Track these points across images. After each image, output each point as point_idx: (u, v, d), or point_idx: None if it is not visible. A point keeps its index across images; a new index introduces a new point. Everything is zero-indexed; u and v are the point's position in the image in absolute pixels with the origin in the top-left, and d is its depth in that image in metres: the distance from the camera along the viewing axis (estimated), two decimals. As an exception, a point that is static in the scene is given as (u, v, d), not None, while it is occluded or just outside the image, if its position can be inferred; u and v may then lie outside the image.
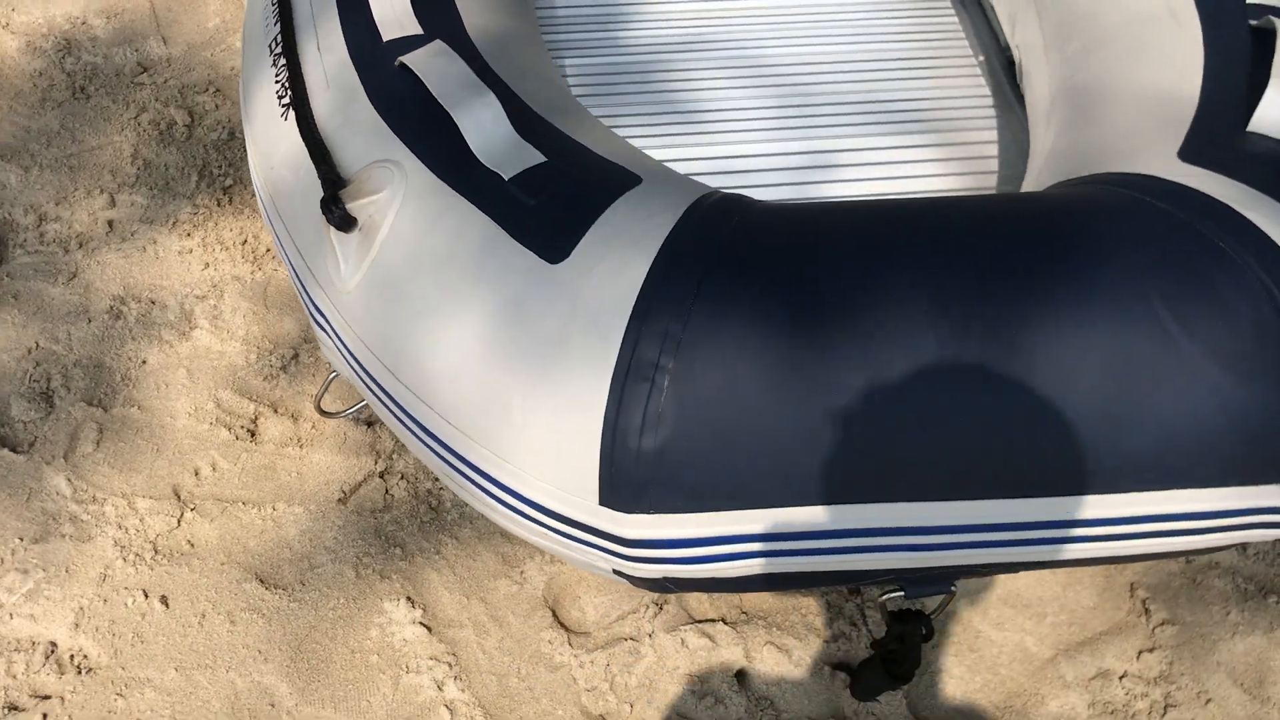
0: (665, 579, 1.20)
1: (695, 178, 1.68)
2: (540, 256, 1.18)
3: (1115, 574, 1.68)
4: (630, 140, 1.74)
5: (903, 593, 1.32)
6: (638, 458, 1.09)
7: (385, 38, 1.44)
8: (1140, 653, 1.61)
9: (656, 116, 1.79)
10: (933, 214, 1.22)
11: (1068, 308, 1.12)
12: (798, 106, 1.82)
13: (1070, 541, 1.18)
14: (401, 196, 1.29)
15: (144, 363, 1.87)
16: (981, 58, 1.94)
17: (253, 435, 1.80)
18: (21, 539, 1.67)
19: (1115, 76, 1.55)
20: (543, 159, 1.27)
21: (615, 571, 1.22)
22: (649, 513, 1.12)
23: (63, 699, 1.54)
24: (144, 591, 1.63)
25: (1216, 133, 1.33)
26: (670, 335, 1.10)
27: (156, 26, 2.40)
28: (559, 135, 1.34)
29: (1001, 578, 1.67)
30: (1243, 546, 1.70)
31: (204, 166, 2.13)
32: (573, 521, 1.16)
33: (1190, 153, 1.29)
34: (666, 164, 1.68)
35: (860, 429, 1.10)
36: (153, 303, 1.94)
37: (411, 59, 1.38)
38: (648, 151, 1.74)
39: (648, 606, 1.62)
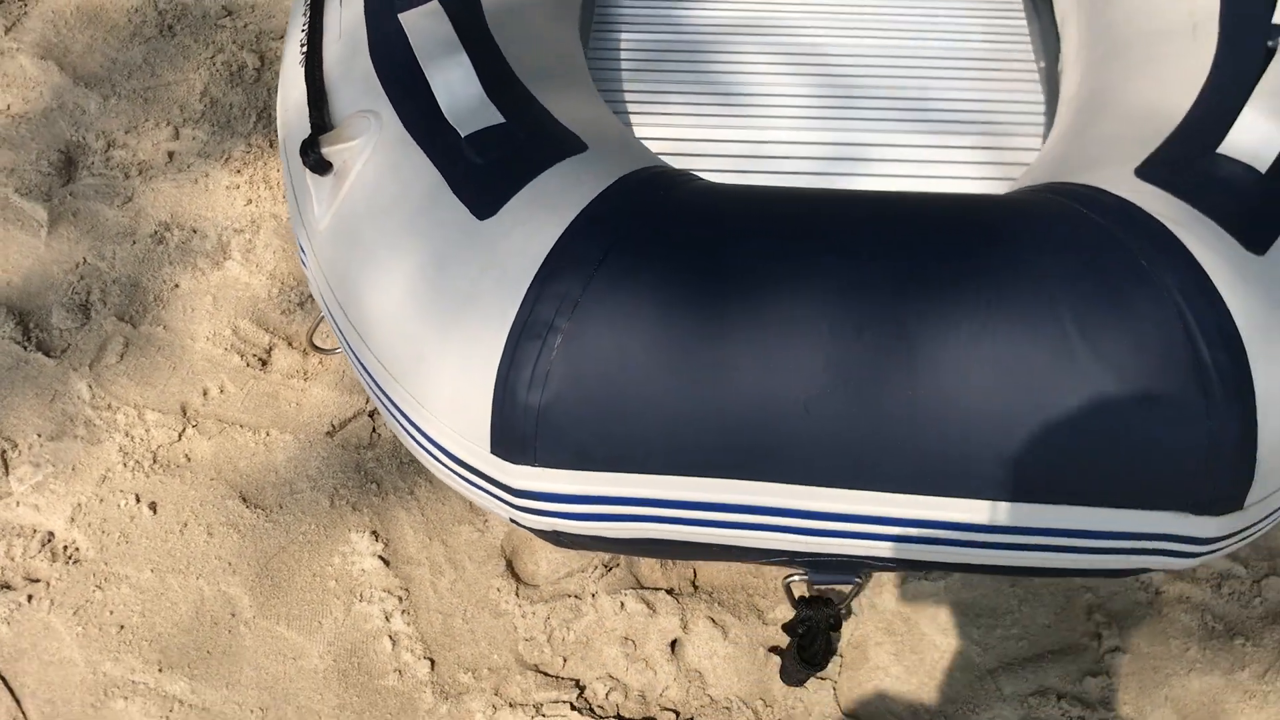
0: (556, 532, 1.24)
1: (729, 159, 1.70)
2: (472, 212, 1.23)
3: (1076, 595, 1.65)
4: (671, 118, 1.76)
5: (806, 577, 1.33)
6: (524, 412, 1.14)
7: None
8: (1085, 676, 1.58)
9: (700, 96, 1.81)
10: (862, 207, 1.22)
11: (969, 309, 1.11)
12: (845, 98, 1.81)
13: (956, 545, 1.17)
14: (374, 146, 1.36)
15: (176, 286, 1.99)
16: (1043, 63, 1.91)
17: (263, 364, 1.90)
18: (39, 435, 1.81)
19: (1117, 88, 1.52)
20: (501, 120, 1.32)
21: (512, 520, 1.26)
22: (534, 465, 1.16)
23: (49, 584, 1.67)
24: (136, 496, 1.74)
25: (1186, 152, 1.29)
26: (568, 298, 1.13)
27: (248, -27, 2.52)
28: (529, 101, 1.38)
29: (956, 585, 1.66)
30: (1216, 585, 1.65)
31: (264, 109, 2.24)
32: (470, 467, 1.22)
33: (1148, 169, 1.26)
34: (704, 143, 1.71)
35: (745, 410, 1.12)
36: (194, 231, 2.07)
37: (405, 16, 1.44)
38: (688, 130, 1.75)
39: (596, 567, 1.67)
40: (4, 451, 1.80)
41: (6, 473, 1.77)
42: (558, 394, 1.13)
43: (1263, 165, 1.24)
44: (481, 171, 1.26)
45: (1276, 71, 1.31)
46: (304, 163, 1.37)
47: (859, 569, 1.30)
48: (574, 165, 1.27)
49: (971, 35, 1.92)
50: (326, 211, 1.39)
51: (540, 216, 1.20)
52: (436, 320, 1.20)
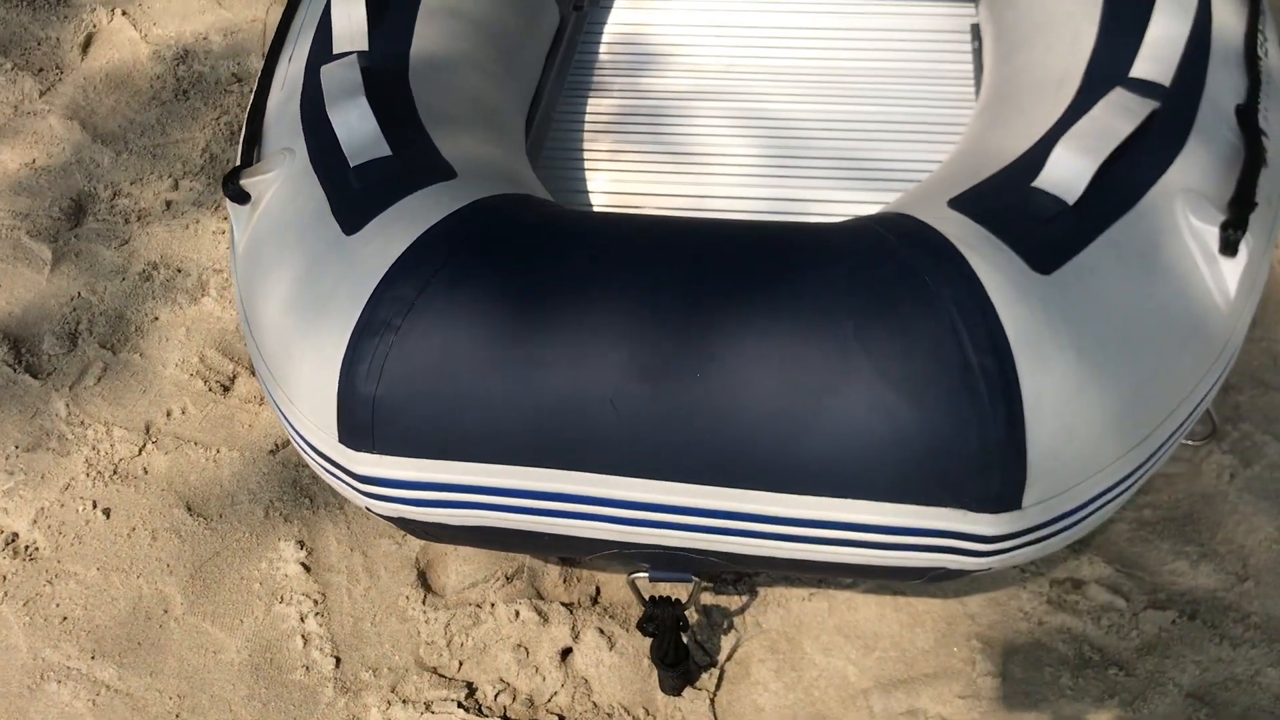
0: (403, 519, 1.36)
1: (678, 213, 1.84)
2: (341, 229, 1.38)
3: (957, 622, 1.70)
4: (627, 175, 1.92)
5: (647, 575, 1.42)
6: (363, 402, 1.27)
7: (335, 50, 1.68)
8: (956, 698, 1.62)
9: (655, 155, 1.96)
10: (682, 230, 1.34)
11: (757, 317, 1.22)
12: (788, 157, 1.93)
13: (752, 536, 1.26)
14: (284, 177, 1.52)
15: (156, 318, 2.18)
16: None
17: (225, 390, 2.07)
18: (17, 447, 1.99)
19: (986, 136, 1.62)
20: (388, 153, 1.47)
21: (366, 508, 1.38)
22: (374, 452, 1.29)
23: (5, 578, 1.83)
24: (94, 503, 1.91)
25: (1004, 185, 1.38)
26: (404, 300, 1.27)
27: (262, 44, 2.76)
28: (422, 138, 1.53)
29: (841, 607, 1.72)
30: (1097, 617, 1.69)
31: (256, 163, 2.45)
32: (326, 456, 1.34)
33: (960, 200, 1.36)
34: (656, 197, 1.86)
35: (558, 404, 1.23)
36: (179, 270, 2.26)
37: (325, 67, 1.61)
38: (641, 185, 1.90)
39: (498, 578, 1.77)
40: (-16, 460, 1.98)
41: (-16, 479, 1.96)
42: (392, 385, 1.25)
43: (1071, 197, 1.33)
44: (358, 195, 1.41)
45: (1095, 113, 1.41)
46: (225, 192, 1.54)
47: (688, 567, 1.39)
48: (438, 190, 1.41)
49: (917, 101, 2.03)
50: (243, 236, 1.55)
51: (395, 232, 1.34)
52: (301, 323, 1.34)
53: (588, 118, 2.07)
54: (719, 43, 2.17)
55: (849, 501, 1.21)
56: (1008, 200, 1.35)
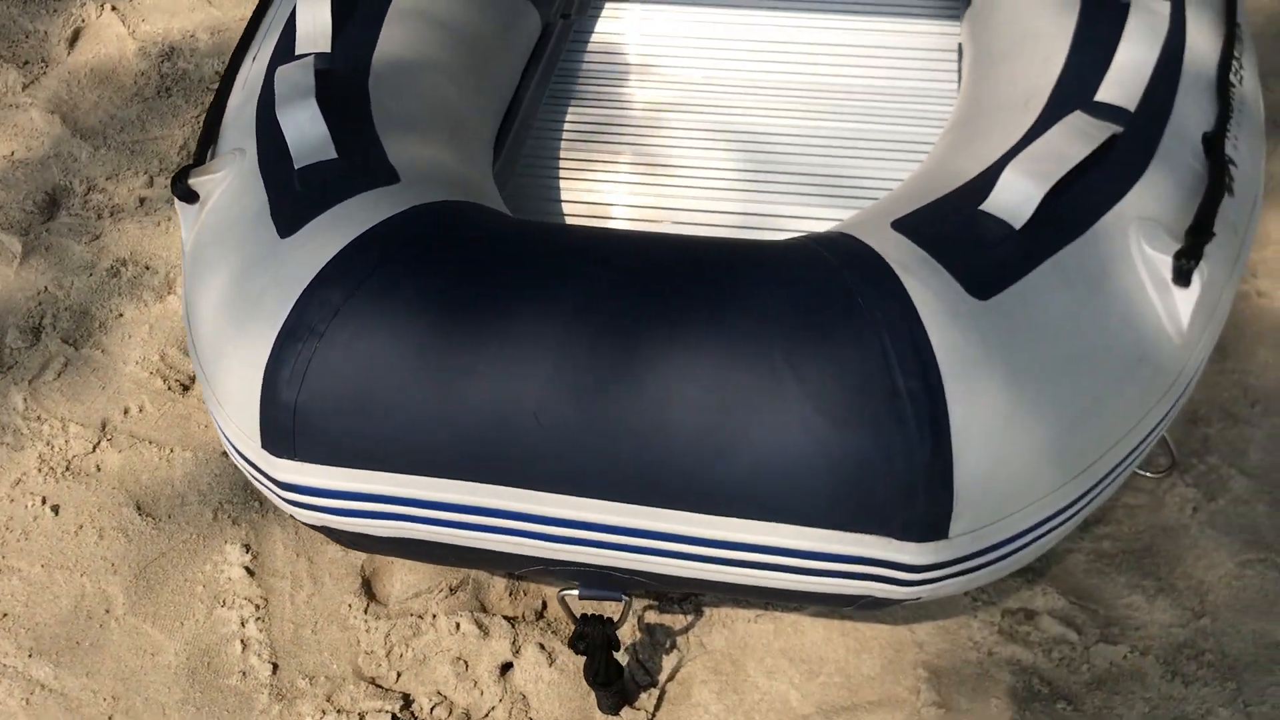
0: (326, 528, 1.34)
1: (652, 225, 1.83)
2: (277, 231, 1.36)
3: (905, 650, 1.67)
4: (604, 185, 1.90)
5: (577, 592, 1.39)
6: (283, 408, 1.25)
7: (297, 51, 1.66)
8: (897, 728, 1.59)
9: (634, 166, 1.94)
10: (621, 244, 1.31)
11: (688, 336, 1.19)
12: (761, 172, 1.91)
13: (676, 557, 1.23)
14: (232, 177, 1.51)
15: (120, 315, 2.17)
16: None
17: (185, 389, 2.05)
18: (-29, 440, 1.98)
19: (946, 156, 1.59)
20: (334, 156, 1.45)
21: (292, 516, 1.36)
22: (294, 459, 1.27)
23: (-50, 572, 1.82)
24: (44, 499, 1.89)
25: (951, 208, 1.35)
26: (330, 304, 1.25)
27: (248, 44, 2.74)
28: (371, 142, 1.51)
29: (788, 630, 1.69)
30: (1048, 649, 1.65)
31: (232, 162, 2.43)
32: (250, 461, 1.33)
33: (903, 221, 1.33)
34: (628, 207, 1.84)
35: (481, 416, 1.21)
36: (147, 268, 2.25)
37: (280, 69, 1.59)
38: (617, 197, 1.89)
39: (442, 589, 1.75)
40: (-63, 452, 1.97)
41: (-64, 471, 1.95)
42: (313, 392, 1.23)
43: (1018, 221, 1.30)
44: (298, 198, 1.40)
45: (1050, 135, 1.38)
46: (173, 191, 1.52)
47: (621, 586, 1.37)
48: (378, 194, 1.39)
49: (898, 119, 2.00)
50: (190, 235, 1.53)
51: (328, 236, 1.32)
52: (231, 325, 1.32)
53: (567, 127, 2.06)
54: (704, 55, 2.15)
55: (773, 525, 1.19)
56: (953, 223, 1.32)
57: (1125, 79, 1.56)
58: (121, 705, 1.67)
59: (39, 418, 2.02)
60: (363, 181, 1.41)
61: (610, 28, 2.25)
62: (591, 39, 2.24)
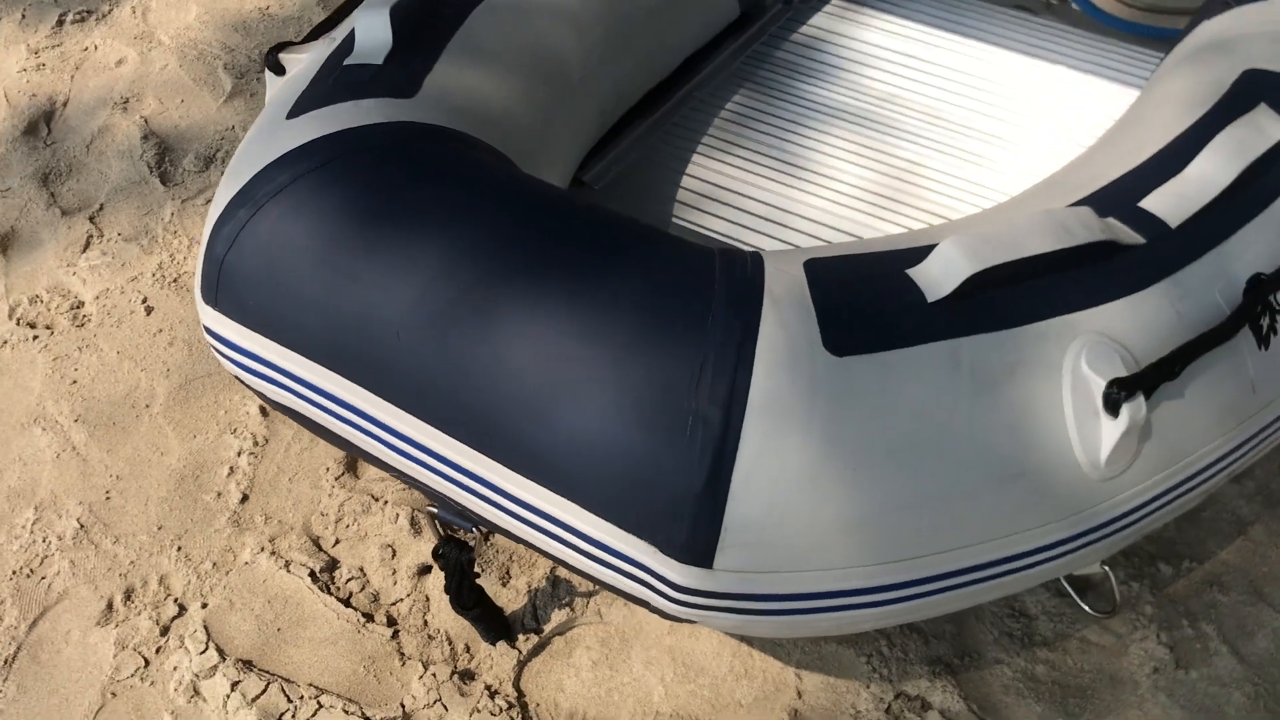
0: (239, 380, 1.49)
1: (776, 225, 1.92)
2: (284, 113, 1.51)
3: (784, 692, 1.65)
4: (733, 169, 2.01)
5: (436, 511, 1.48)
6: (214, 262, 1.40)
7: None
8: (735, 758, 1.58)
9: (772, 158, 2.02)
10: (540, 199, 1.36)
11: (546, 295, 1.24)
12: (905, 204, 1.94)
13: (488, 502, 1.29)
14: (308, 62, 1.68)
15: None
16: None
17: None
18: (119, 234, 2.30)
19: (979, 218, 1.53)
20: (379, 63, 1.58)
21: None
22: (216, 310, 1.42)
23: (53, 332, 2.13)
24: (145, 299, 2.18)
25: (892, 266, 1.32)
26: (277, 184, 1.39)
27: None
28: (422, 61, 1.61)
29: (686, 633, 1.71)
30: (922, 711, 1.59)
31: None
32: (198, 309, 1.49)
33: (818, 263, 1.31)
34: (749, 200, 1.95)
35: (358, 320, 1.31)
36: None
37: None
38: (740, 184, 2.00)
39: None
40: (90, 237, 2.30)
41: (85, 250, 2.27)
42: (239, 253, 1.38)
43: (931, 294, 1.26)
44: (325, 89, 1.54)
45: (1024, 221, 1.31)
46: (265, 62, 1.70)
47: (471, 519, 1.44)
48: (382, 103, 1.51)
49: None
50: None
51: (312, 126, 1.46)
52: (223, 187, 1.48)
53: (730, 106, 2.12)
54: (898, 71, 2.17)
55: (568, 503, 1.22)
56: (873, 277, 1.28)
57: (1181, 191, 1.44)
58: (120, 484, 1.92)
59: (175, 232, 2.30)
60: (379, 88, 1.52)
61: (823, 23, 2.29)
62: (799, 30, 2.29)
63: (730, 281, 1.24)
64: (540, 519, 1.27)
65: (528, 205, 1.35)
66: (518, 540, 1.36)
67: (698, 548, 1.17)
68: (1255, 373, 1.39)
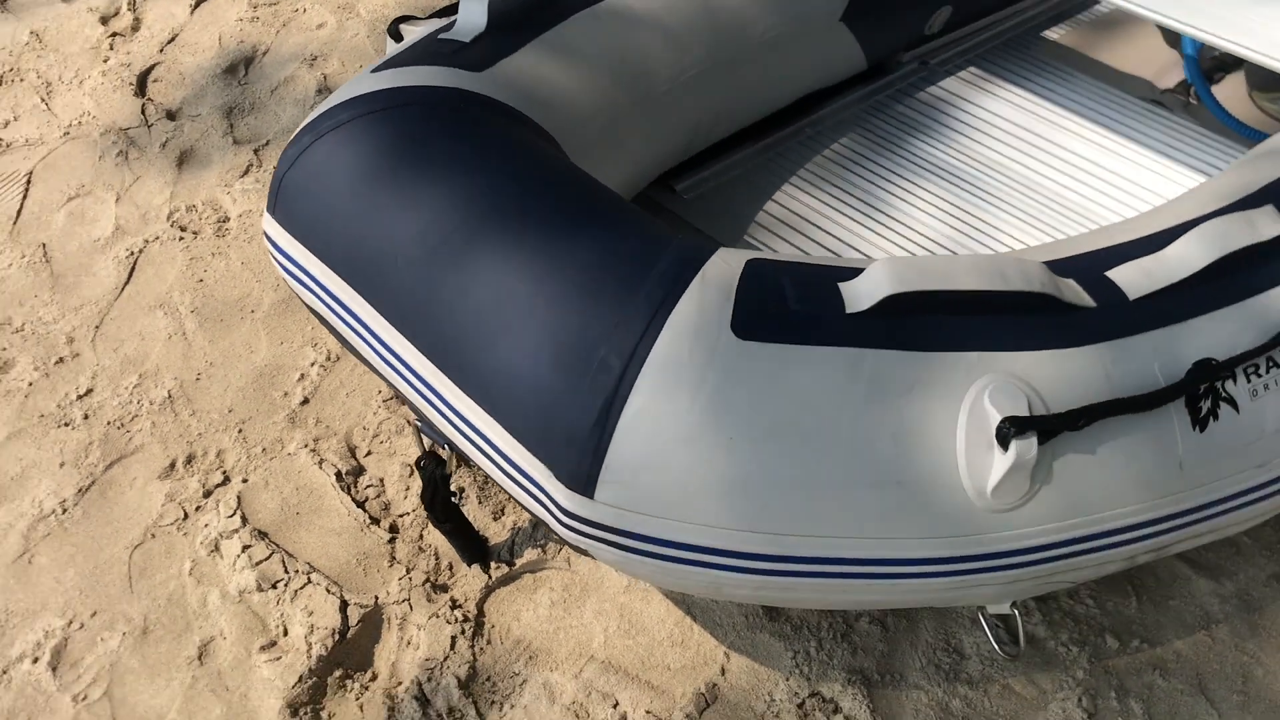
0: (290, 287, 1.74)
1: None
2: (376, 68, 1.76)
3: (708, 667, 1.77)
4: (834, 208, 2.21)
5: (420, 425, 1.69)
6: (278, 178, 1.66)
7: None
8: (644, 711, 1.72)
9: (852, 200, 2.22)
10: (535, 170, 1.55)
11: (517, 246, 1.44)
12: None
13: (439, 412, 1.49)
14: (419, 32, 1.94)
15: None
16: None
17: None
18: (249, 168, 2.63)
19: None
20: (465, 42, 1.82)
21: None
22: (276, 220, 1.67)
23: (197, 236, 2.47)
24: (277, 223, 2.49)
25: (834, 276, 1.44)
26: (337, 121, 1.64)
27: None
28: (509, 45, 1.84)
29: (638, 590, 1.85)
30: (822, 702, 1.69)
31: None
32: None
33: (760, 262, 1.45)
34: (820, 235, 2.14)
35: (374, 245, 1.54)
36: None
37: None
38: (816, 216, 2.19)
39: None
40: (250, 165, 2.64)
41: (243, 176, 2.62)
42: (296, 173, 1.64)
43: (851, 306, 1.38)
44: (411, 53, 1.79)
45: (966, 259, 1.42)
46: (388, 30, 1.98)
47: (438, 436, 1.64)
48: (452, 72, 1.74)
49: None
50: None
51: (389, 79, 1.71)
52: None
53: (835, 146, 2.31)
54: (1010, 141, 2.31)
55: (495, 424, 1.41)
56: (805, 280, 1.42)
57: (1149, 268, 1.51)
58: (211, 369, 2.22)
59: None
60: (454, 60, 1.76)
61: (952, 86, 2.43)
62: (925, 90, 2.43)
63: (673, 261, 1.40)
64: (478, 437, 1.45)
65: (528, 169, 1.55)
66: (468, 459, 1.55)
67: (581, 477, 1.33)
68: (1186, 452, 1.43)
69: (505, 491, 1.50)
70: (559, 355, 1.34)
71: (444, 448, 1.67)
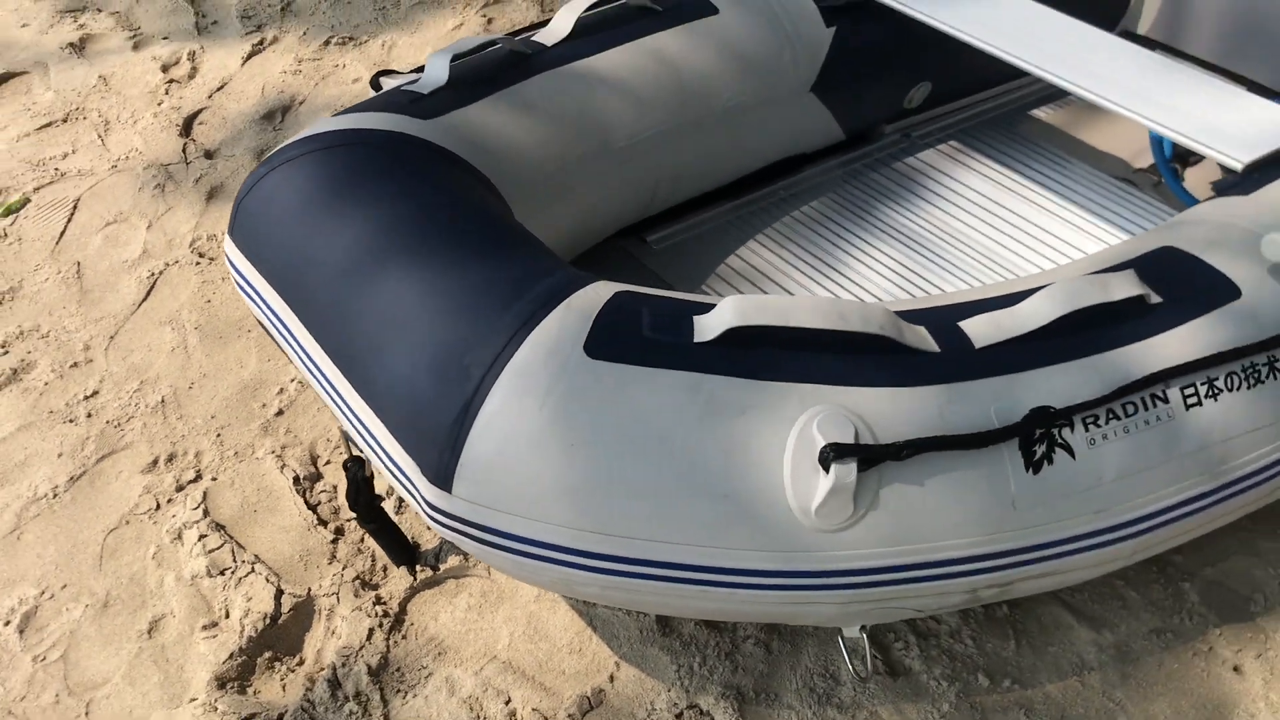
0: (245, 301, 1.96)
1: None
2: (337, 114, 1.99)
3: (598, 674, 1.90)
4: (794, 265, 2.37)
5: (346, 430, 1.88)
6: (238, 203, 1.88)
7: (536, 36, 2.27)
8: (531, 709, 1.87)
9: (823, 264, 2.38)
10: (447, 201, 1.74)
11: (418, 265, 1.63)
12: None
13: (350, 423, 1.68)
14: (398, 82, 2.17)
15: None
16: None
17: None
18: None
19: None
20: (425, 93, 2.04)
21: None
22: (234, 242, 1.90)
23: (208, 259, 2.73)
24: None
25: (699, 307, 1.60)
26: (291, 154, 1.86)
27: None
28: (454, 98, 2.05)
29: (547, 601, 2.00)
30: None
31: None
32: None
33: (629, 294, 1.61)
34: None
35: (300, 265, 1.74)
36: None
37: (471, 37, 2.20)
38: (774, 269, 2.36)
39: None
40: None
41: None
42: (251, 199, 1.86)
43: (699, 335, 1.54)
44: (374, 101, 2.01)
45: (809, 301, 1.56)
46: (370, 82, 2.22)
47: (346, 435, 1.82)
48: (403, 118, 1.96)
49: None
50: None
51: (345, 121, 1.93)
52: (277, 151, 1.98)
53: (805, 208, 2.47)
54: (977, 213, 2.44)
55: (381, 424, 1.59)
56: (666, 314, 1.57)
57: (999, 321, 1.63)
58: (203, 380, 2.45)
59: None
60: (408, 109, 1.98)
61: (928, 158, 2.58)
62: (901, 160, 2.58)
63: (546, 287, 1.58)
64: (370, 436, 1.63)
65: (441, 203, 1.74)
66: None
67: (441, 472, 1.50)
68: (1019, 492, 1.54)
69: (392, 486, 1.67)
70: (433, 362, 1.52)
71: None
